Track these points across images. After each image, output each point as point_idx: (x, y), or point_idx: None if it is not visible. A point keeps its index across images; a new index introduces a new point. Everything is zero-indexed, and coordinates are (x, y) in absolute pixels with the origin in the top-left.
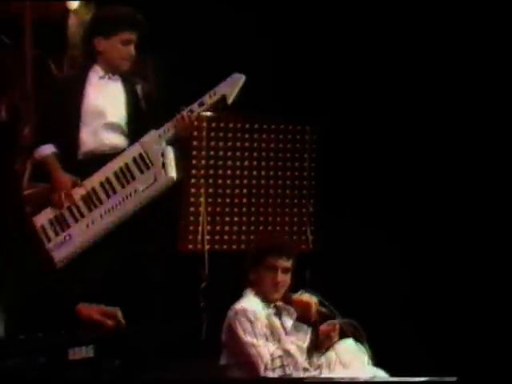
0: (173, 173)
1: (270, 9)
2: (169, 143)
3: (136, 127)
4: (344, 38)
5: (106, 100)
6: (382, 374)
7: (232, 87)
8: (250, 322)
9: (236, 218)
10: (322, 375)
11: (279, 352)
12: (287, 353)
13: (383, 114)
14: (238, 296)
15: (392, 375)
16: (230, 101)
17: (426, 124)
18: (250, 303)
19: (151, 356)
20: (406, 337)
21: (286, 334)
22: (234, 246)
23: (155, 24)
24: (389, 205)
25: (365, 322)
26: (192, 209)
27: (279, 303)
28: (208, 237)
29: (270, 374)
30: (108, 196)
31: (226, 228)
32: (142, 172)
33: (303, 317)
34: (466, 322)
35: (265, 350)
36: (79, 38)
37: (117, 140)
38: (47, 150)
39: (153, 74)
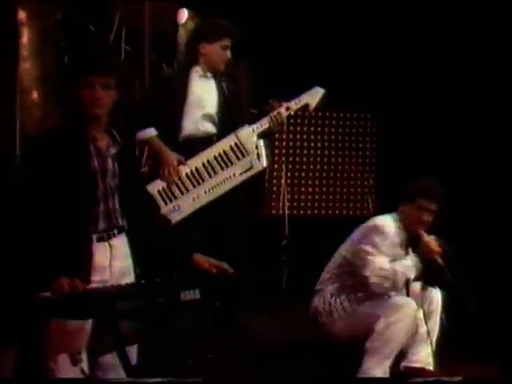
0: (266, 162)
1: (338, 11)
2: (259, 136)
3: (223, 117)
4: (405, 33)
5: (204, 94)
6: None
7: (314, 97)
8: (380, 236)
9: (310, 189)
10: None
11: (387, 266)
12: (394, 271)
13: (437, 101)
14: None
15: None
16: (311, 109)
17: (477, 113)
18: (390, 224)
19: (245, 299)
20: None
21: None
22: (309, 211)
23: (248, 33)
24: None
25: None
26: (275, 181)
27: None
28: (288, 203)
29: (372, 279)
30: (210, 176)
31: (303, 196)
32: (238, 159)
33: (423, 256)
34: None
35: (376, 259)
36: (185, 44)
37: (209, 127)
38: (151, 132)
39: (245, 76)
